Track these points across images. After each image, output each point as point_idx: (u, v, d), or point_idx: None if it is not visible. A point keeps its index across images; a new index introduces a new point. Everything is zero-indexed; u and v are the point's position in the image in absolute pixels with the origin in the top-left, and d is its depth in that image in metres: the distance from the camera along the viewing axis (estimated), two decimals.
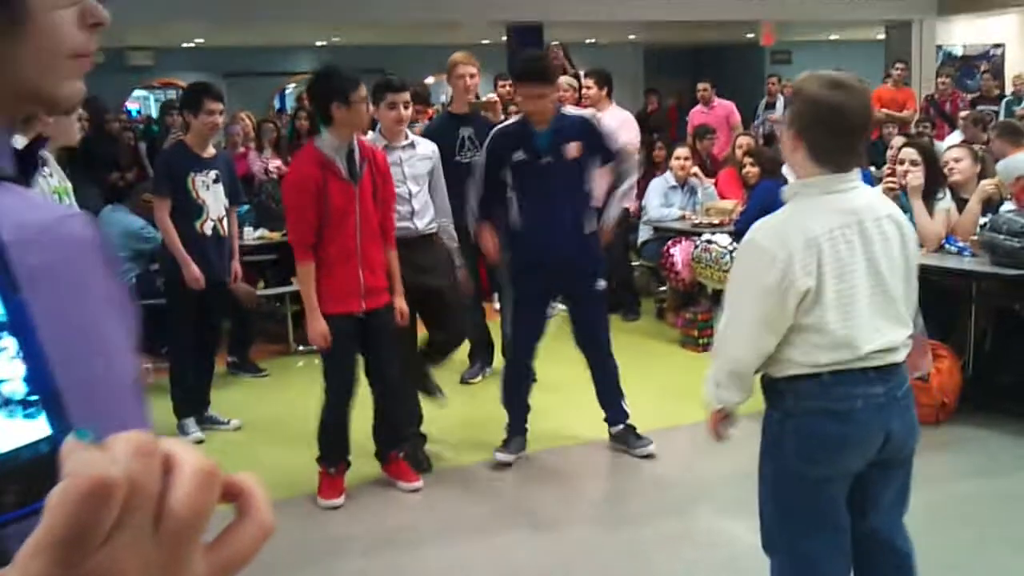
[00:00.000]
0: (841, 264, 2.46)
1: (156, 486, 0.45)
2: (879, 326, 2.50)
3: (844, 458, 2.55)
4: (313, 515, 4.28)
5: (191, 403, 5.30)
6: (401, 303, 4.40)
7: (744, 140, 8.40)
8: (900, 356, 2.54)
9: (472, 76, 5.63)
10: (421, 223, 4.70)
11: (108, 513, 0.43)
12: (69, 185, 3.50)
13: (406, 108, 4.60)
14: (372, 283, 4.22)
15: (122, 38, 12.45)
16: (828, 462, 2.55)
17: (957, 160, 5.60)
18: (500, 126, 4.83)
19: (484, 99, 5.67)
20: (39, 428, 0.50)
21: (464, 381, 6.11)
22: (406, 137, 4.71)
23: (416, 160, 4.70)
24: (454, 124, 5.62)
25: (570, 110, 4.84)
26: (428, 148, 4.82)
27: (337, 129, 4.11)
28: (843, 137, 2.48)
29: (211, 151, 5.28)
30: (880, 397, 2.50)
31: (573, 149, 4.56)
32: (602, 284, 4.77)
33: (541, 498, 4.46)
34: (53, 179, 3.33)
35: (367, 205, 4.17)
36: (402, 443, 4.60)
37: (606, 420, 4.89)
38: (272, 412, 5.66)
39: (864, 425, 2.50)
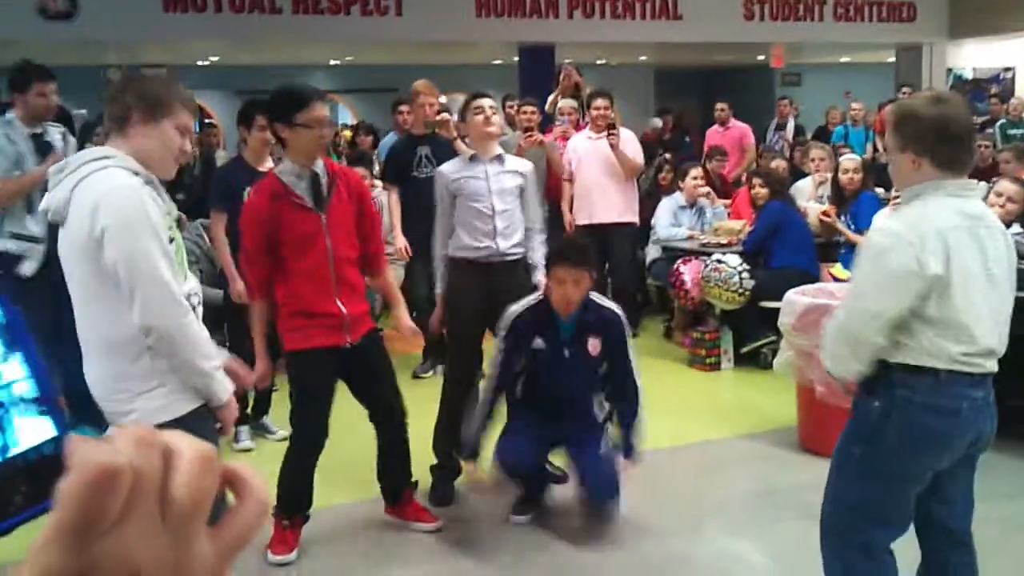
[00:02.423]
0: (964, 260, 2.60)
1: (158, 473, 0.47)
2: (991, 328, 2.68)
3: (941, 455, 2.72)
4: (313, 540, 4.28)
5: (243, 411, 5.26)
6: (406, 317, 4.24)
7: (779, 163, 8.41)
8: (995, 364, 2.73)
9: (431, 105, 6.17)
10: (505, 244, 4.42)
11: (115, 499, 0.45)
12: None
13: (494, 114, 4.49)
14: (353, 312, 3.88)
15: (136, 56, 12.55)
16: (928, 457, 2.71)
17: (1012, 200, 5.38)
18: (521, 311, 4.15)
19: (436, 119, 6.19)
20: (45, 429, 0.52)
21: (416, 376, 6.46)
22: (495, 151, 4.54)
23: (503, 175, 4.48)
24: (413, 143, 6.23)
25: (600, 299, 4.24)
26: (519, 165, 4.61)
27: (290, 153, 3.80)
28: (956, 143, 2.67)
29: (269, 165, 5.21)
30: (980, 401, 2.70)
31: (595, 346, 4.16)
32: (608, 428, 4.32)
33: (547, 517, 4.45)
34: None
35: (337, 232, 3.80)
36: (414, 480, 4.33)
37: None
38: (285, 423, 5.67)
39: (965, 425, 2.69)
